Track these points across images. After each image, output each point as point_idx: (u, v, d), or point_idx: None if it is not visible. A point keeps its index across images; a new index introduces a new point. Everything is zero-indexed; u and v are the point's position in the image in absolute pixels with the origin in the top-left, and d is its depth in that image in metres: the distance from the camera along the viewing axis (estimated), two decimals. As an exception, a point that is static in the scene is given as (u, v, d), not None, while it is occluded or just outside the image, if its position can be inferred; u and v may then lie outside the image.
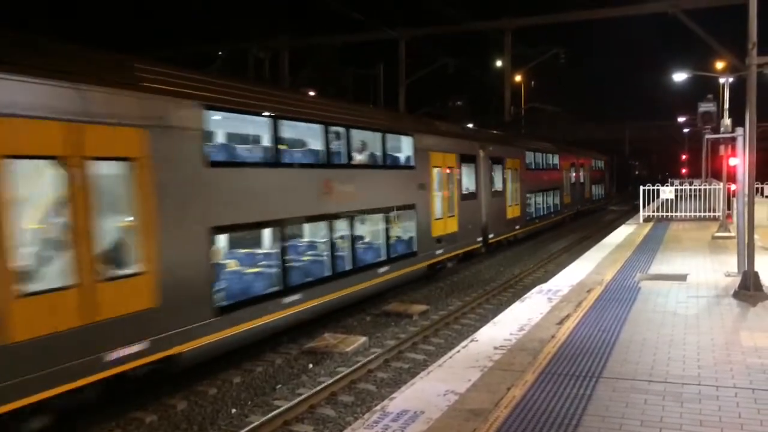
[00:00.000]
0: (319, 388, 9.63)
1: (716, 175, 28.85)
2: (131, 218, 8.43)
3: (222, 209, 9.91)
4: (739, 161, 12.86)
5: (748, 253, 11.08)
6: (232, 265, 11.47)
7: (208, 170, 9.67)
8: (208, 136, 10.06)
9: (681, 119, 48.82)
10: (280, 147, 11.79)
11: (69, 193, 7.53)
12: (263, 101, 11.54)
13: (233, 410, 9.16)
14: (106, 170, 8.02)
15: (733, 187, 17.33)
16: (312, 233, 13.89)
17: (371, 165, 14.98)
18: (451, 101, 60.68)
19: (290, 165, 12.08)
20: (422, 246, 16.67)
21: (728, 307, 10.18)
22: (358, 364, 10.69)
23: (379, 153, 15.31)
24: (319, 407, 9.15)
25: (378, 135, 15.26)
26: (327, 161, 13.09)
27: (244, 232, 11.42)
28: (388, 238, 15.25)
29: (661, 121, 59.52)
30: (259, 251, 12.43)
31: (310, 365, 11.00)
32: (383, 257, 14.96)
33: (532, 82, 55.22)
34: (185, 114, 9.29)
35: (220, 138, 11.20)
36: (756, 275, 10.83)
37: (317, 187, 12.56)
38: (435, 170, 17.61)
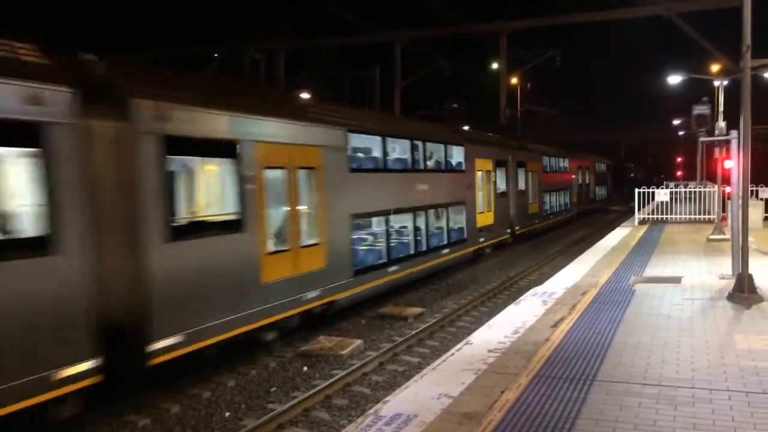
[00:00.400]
0: (313, 391, 9.61)
1: (711, 178, 28.92)
2: (315, 207, 12.52)
3: (356, 202, 14.08)
4: (734, 164, 12.90)
5: (742, 256, 11.08)
6: (361, 242, 15.30)
7: (349, 174, 13.92)
8: (349, 150, 14.14)
9: (676, 122, 48.97)
10: (386, 157, 16.07)
11: (288, 190, 11.79)
12: (376, 125, 16.17)
13: (227, 414, 9.13)
14: (303, 176, 12.25)
15: (727, 189, 17.35)
16: (402, 222, 17.24)
17: (437, 170, 19.11)
18: (448, 103, 60.59)
19: (392, 170, 16.29)
20: (470, 235, 20.68)
21: (722, 310, 10.18)
22: (353, 367, 10.68)
23: (442, 160, 19.38)
24: (314, 410, 9.13)
25: (442, 146, 19.40)
26: (411, 167, 17.23)
27: (367, 218, 15.43)
28: (448, 227, 19.15)
29: (656, 123, 59.63)
30: (375, 233, 16.19)
31: (305, 368, 10.97)
32: (445, 242, 18.87)
33: (528, 85, 55.22)
34: (338, 137, 13.56)
35: (354, 152, 14.88)
36: (750, 278, 10.84)
37: (406, 186, 16.73)
38: (478, 173, 21.73)
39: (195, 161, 10.28)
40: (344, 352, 11.53)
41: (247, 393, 9.90)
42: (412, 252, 16.72)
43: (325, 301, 12.68)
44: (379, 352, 11.68)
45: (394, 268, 15.60)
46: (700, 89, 26.62)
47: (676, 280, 12.87)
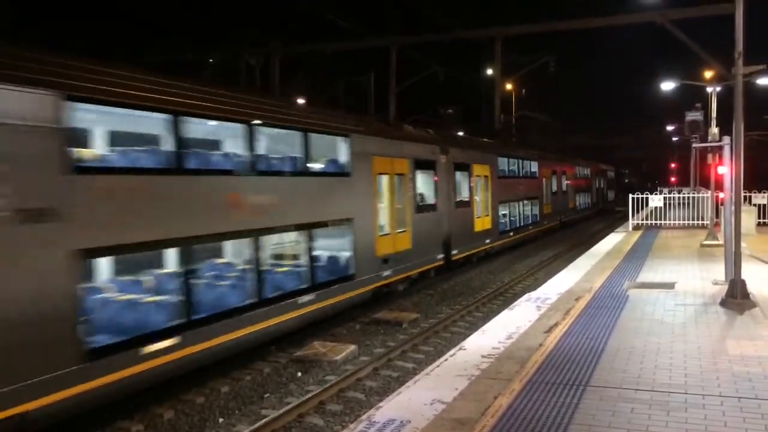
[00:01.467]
0: (307, 396, 9.60)
1: (705, 183, 29.03)
2: (488, 196, 23.89)
3: (499, 194, 25.07)
4: (727, 170, 12.95)
5: (735, 261, 11.13)
6: (501, 217, 25.90)
7: (497, 179, 24.89)
8: (498, 165, 25.42)
9: (670, 128, 49.13)
10: (509, 168, 27.56)
11: (478, 187, 22.95)
12: (508, 150, 29.00)
13: (221, 419, 9.11)
14: (484, 180, 23.50)
15: (721, 195, 17.41)
16: (515, 207, 28.14)
17: (527, 176, 30.67)
18: (443, 109, 60.64)
19: (511, 177, 27.74)
20: (540, 219, 32.31)
21: (715, 316, 10.22)
22: (347, 373, 10.67)
23: (529, 170, 31.05)
24: (308, 416, 9.11)
25: (528, 161, 31.03)
26: (518, 174, 29.00)
27: (502, 204, 25.79)
28: (531, 213, 30.69)
29: (651, 129, 59.83)
30: (505, 213, 26.53)
31: (299, 374, 10.96)
32: (530, 222, 30.38)
33: (523, 90, 55.29)
34: (494, 159, 24.95)
35: (499, 166, 25.82)
36: (743, 283, 10.87)
37: (516, 186, 28.34)
38: (543, 179, 33.43)
39: (459, 173, 21.03)
40: (338, 357, 11.52)
41: (241, 398, 9.88)
42: (517, 226, 28.01)
43: (491, 246, 23.94)
44: (374, 357, 11.68)
45: (511, 234, 26.97)
46: (694, 95, 26.75)
47: (669, 285, 12.91)
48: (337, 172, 13.81)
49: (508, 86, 48.38)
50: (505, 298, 17.28)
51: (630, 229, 25.66)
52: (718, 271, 13.80)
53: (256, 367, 11.18)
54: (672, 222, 26.42)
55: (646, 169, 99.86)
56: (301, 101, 27.06)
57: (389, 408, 6.52)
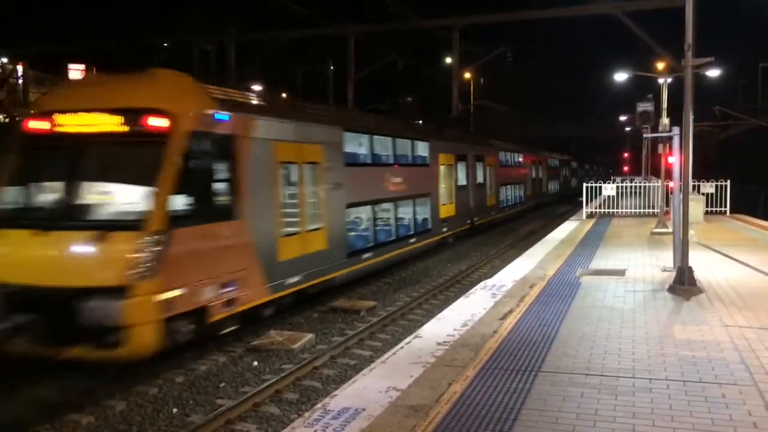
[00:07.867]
0: (263, 386, 9.54)
1: (656, 173, 29.74)
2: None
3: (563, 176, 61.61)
4: (675, 159, 13.28)
5: (683, 249, 11.44)
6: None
7: (570, 169, 67.34)
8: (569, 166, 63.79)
9: (623, 118, 50.11)
10: (553, 165, 56.56)
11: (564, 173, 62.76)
12: (552, 153, 57.09)
13: (174, 410, 8.99)
14: (549, 168, 53.62)
15: (671, 184, 17.85)
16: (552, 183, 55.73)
17: (555, 168, 56.53)
18: (402, 98, 60.70)
19: (555, 168, 57.34)
20: (533, 195, 48.38)
21: (663, 302, 10.50)
22: (304, 362, 10.64)
23: (553, 165, 55.42)
24: (264, 405, 9.06)
25: (555, 159, 57.19)
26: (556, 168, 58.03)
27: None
28: (561, 184, 60.02)
29: (605, 120, 60.95)
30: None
31: (255, 363, 10.88)
32: (550, 193, 54.41)
33: (482, 80, 55.69)
34: (570, 159, 67.38)
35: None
36: (690, 270, 11.20)
37: (553, 173, 56.03)
38: (561, 170, 60.12)
39: (539, 167, 47.07)
40: (295, 346, 11.48)
41: (196, 389, 9.76)
42: (551, 191, 51.66)
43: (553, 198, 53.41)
44: (331, 345, 11.67)
45: (547, 197, 50.72)
46: (649, 87, 27.30)
47: (620, 272, 13.20)
48: (521, 163, 34.72)
49: (467, 75, 48.67)
50: (462, 286, 17.45)
51: (584, 217, 26.14)
52: (667, 258, 14.18)
53: (211, 357, 11.05)
54: (624, 210, 27.02)
55: (600, 159, 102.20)
56: (257, 88, 26.78)
57: (344, 396, 6.53)
